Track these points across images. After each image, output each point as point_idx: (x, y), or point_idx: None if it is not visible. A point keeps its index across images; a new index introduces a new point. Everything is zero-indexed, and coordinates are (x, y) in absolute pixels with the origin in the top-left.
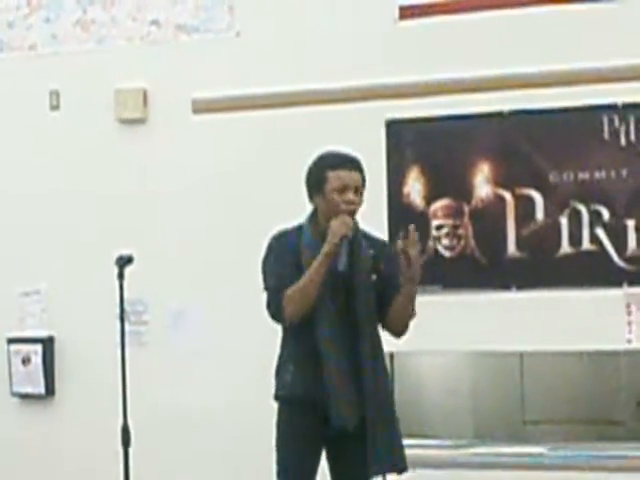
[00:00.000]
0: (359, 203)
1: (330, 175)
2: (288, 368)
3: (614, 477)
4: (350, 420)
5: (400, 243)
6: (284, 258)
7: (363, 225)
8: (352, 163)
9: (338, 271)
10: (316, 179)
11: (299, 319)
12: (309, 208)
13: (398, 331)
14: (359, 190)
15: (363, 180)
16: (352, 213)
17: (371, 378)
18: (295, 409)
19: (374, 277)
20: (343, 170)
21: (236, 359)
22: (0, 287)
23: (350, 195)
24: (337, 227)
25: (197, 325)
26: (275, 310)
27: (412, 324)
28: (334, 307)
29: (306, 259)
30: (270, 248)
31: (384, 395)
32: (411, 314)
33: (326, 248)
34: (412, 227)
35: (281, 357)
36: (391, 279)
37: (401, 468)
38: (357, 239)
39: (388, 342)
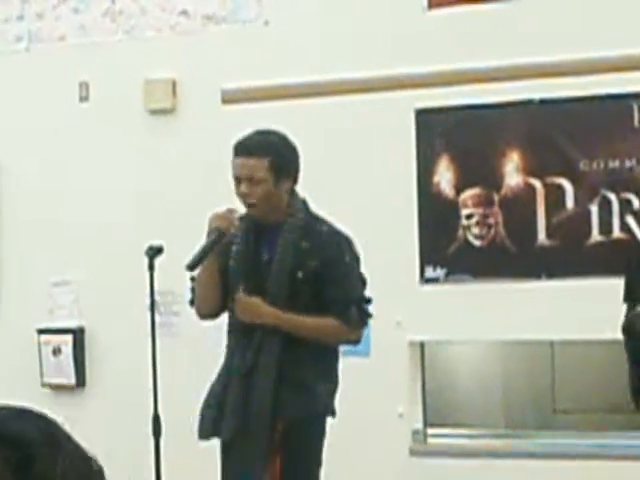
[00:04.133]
0: (257, 194)
1: (232, 163)
2: None
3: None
4: (214, 430)
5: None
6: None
7: (389, 215)
8: (245, 148)
9: (262, 260)
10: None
11: (203, 313)
12: (332, 196)
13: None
14: (254, 179)
15: (273, 162)
16: (250, 206)
17: (239, 394)
18: None
19: (300, 274)
20: (238, 158)
21: None
22: (30, 278)
23: (241, 187)
24: (211, 219)
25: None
26: (191, 297)
27: (442, 313)
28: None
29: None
30: None
31: (257, 409)
32: (313, 338)
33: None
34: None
35: None
36: (322, 280)
37: None
38: (288, 223)
39: (418, 332)
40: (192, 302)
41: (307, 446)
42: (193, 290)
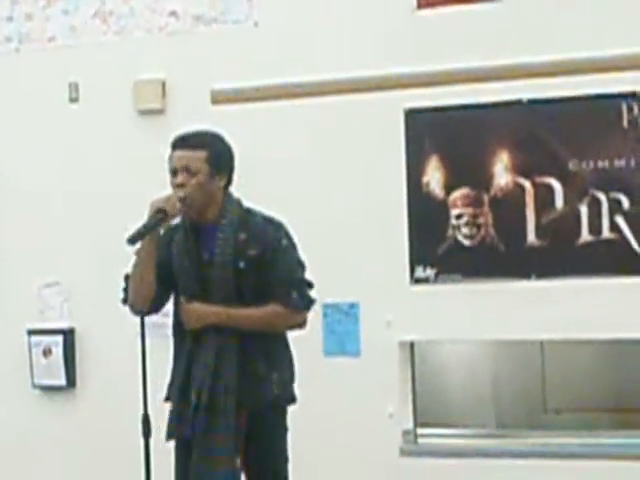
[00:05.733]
0: (194, 186)
1: (170, 158)
2: None
3: (637, 466)
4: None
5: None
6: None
7: (379, 214)
8: (183, 142)
9: (204, 261)
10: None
11: (138, 309)
12: (322, 197)
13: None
14: (191, 170)
15: (210, 156)
16: (185, 196)
17: (203, 391)
18: None
19: (242, 264)
20: (175, 151)
21: None
22: (20, 279)
23: (178, 178)
24: (153, 202)
25: None
26: (123, 295)
27: (432, 313)
28: (188, 300)
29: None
30: None
31: (223, 405)
32: (262, 330)
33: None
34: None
35: None
36: (263, 267)
37: None
38: (223, 219)
39: (408, 331)
40: (125, 300)
41: (270, 437)
42: (126, 289)
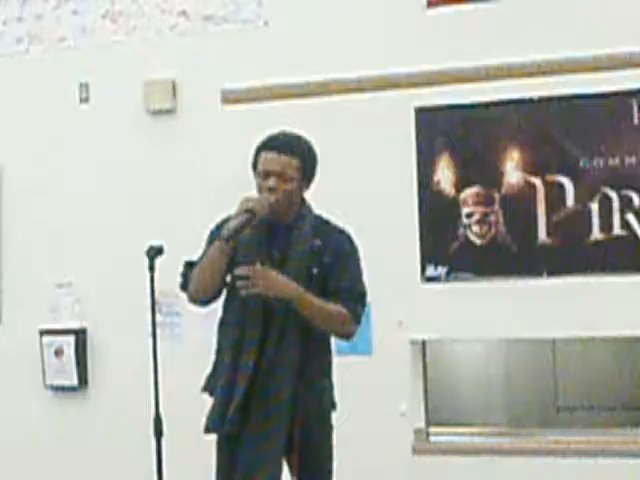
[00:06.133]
0: (287, 191)
1: (261, 157)
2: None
3: None
4: (218, 424)
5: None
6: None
7: (390, 214)
8: (279, 145)
9: (273, 260)
10: (253, 159)
11: (201, 299)
12: (332, 196)
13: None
14: (284, 176)
15: (302, 164)
16: (273, 201)
17: (263, 385)
18: None
19: (315, 270)
20: (270, 153)
21: None
22: (32, 279)
23: (270, 181)
24: (243, 201)
25: None
26: (182, 282)
27: (443, 312)
28: (259, 302)
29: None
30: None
31: (276, 405)
32: (324, 326)
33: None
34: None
35: None
36: (332, 273)
37: None
38: (300, 222)
39: (420, 330)
40: (184, 286)
41: (322, 441)
42: (184, 275)
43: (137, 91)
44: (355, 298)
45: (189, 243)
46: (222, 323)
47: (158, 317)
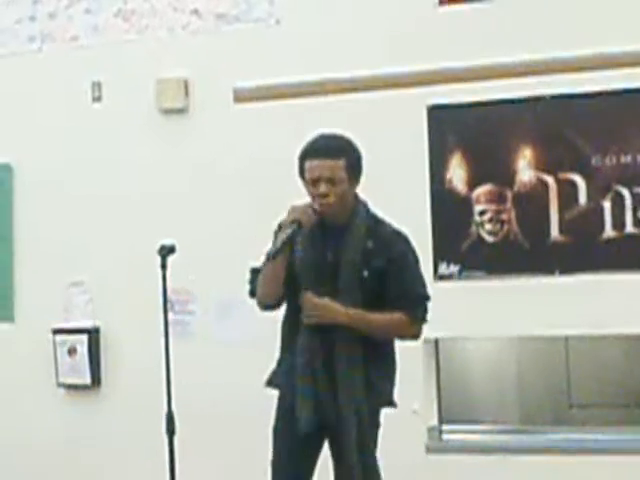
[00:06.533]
0: (338, 195)
1: (306, 165)
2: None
3: None
4: (308, 422)
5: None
6: None
7: (402, 212)
8: (324, 151)
9: (327, 262)
10: (299, 168)
11: (267, 304)
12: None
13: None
14: (334, 180)
15: (349, 163)
16: (327, 206)
17: (341, 383)
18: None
19: (365, 273)
20: (315, 160)
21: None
22: (45, 278)
23: (321, 188)
24: (290, 211)
25: (243, 314)
26: (250, 288)
27: (456, 310)
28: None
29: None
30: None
31: (353, 399)
32: (382, 336)
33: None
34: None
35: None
36: (386, 278)
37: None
38: (354, 223)
39: (432, 328)
40: (252, 293)
41: (373, 438)
42: (252, 281)
43: (149, 90)
44: (412, 301)
45: (201, 242)
46: (285, 321)
47: (170, 315)
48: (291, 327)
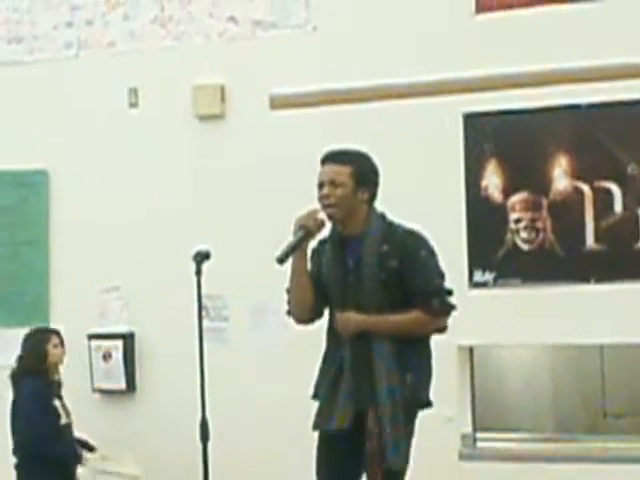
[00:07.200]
0: (338, 197)
1: (318, 173)
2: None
3: None
4: (334, 422)
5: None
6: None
7: (438, 219)
8: (331, 157)
9: (348, 271)
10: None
11: (301, 318)
12: (380, 200)
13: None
14: (335, 182)
15: (355, 171)
16: (329, 206)
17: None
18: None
19: (383, 275)
20: (323, 166)
21: (313, 355)
22: (81, 284)
23: (324, 189)
24: (297, 219)
25: (276, 320)
26: (288, 308)
27: (490, 317)
28: (341, 307)
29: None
30: None
31: (384, 396)
32: (406, 335)
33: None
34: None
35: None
36: (402, 277)
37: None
38: (369, 231)
39: (467, 336)
40: (289, 312)
41: (407, 438)
42: (289, 302)
43: (186, 96)
44: (427, 296)
45: (237, 248)
46: (327, 335)
47: (205, 322)
48: (330, 335)
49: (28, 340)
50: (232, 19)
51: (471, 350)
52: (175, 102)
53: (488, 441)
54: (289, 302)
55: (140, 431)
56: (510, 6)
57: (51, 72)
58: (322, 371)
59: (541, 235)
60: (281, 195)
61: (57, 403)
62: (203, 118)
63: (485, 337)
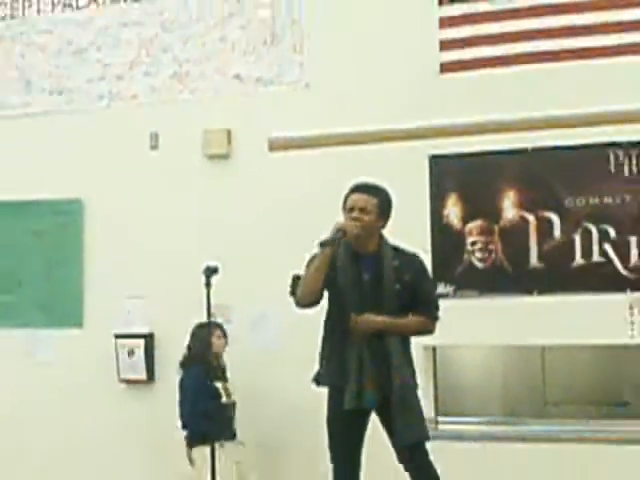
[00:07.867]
0: (365, 221)
1: (349, 198)
2: (322, 361)
3: (615, 449)
4: (372, 398)
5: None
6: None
7: (408, 241)
8: (363, 188)
9: (363, 281)
10: (343, 201)
11: (305, 302)
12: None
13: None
14: (365, 210)
15: (380, 203)
16: (356, 227)
17: (392, 366)
18: (330, 394)
19: (398, 286)
20: (354, 194)
21: (310, 357)
22: (110, 293)
23: (354, 213)
24: (336, 224)
25: (275, 326)
26: (290, 290)
27: (451, 323)
28: (359, 310)
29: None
30: None
31: (403, 380)
32: (411, 335)
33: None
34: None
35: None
36: (413, 289)
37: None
38: (383, 251)
39: (432, 337)
40: (292, 293)
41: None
42: (293, 285)
43: (198, 139)
44: (431, 304)
45: (241, 265)
46: (326, 326)
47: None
48: (334, 334)
49: (196, 332)
50: (237, 77)
51: (434, 349)
52: (189, 144)
53: (448, 424)
54: (297, 288)
55: (158, 414)
56: (469, 67)
57: (86, 120)
58: (331, 362)
59: (493, 255)
60: (278, 222)
61: (219, 385)
62: (212, 157)
63: (446, 339)
